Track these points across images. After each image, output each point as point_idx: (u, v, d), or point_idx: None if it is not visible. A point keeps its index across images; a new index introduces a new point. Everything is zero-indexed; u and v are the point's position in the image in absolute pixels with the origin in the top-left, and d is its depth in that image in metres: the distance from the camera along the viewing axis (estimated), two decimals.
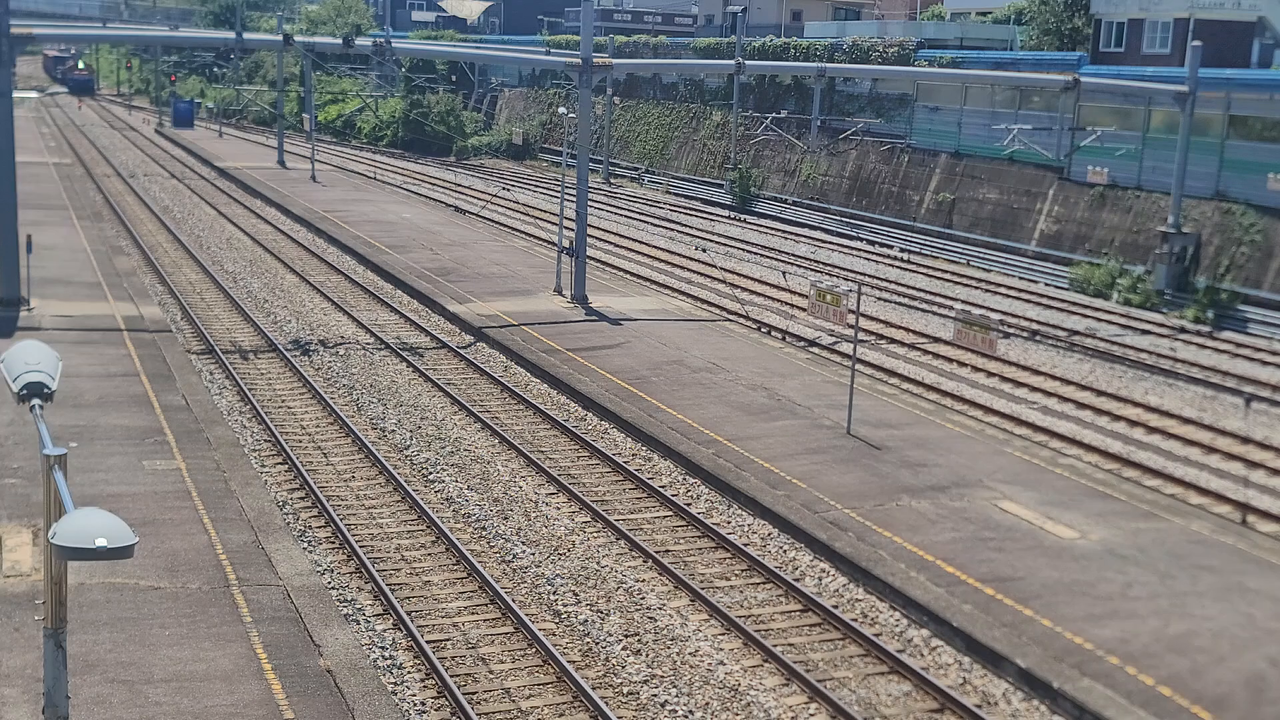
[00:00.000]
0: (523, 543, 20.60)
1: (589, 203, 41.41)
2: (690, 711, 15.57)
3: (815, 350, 34.19)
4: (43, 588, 10.64)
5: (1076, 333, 37.83)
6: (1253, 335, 38.47)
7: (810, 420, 26.28)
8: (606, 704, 15.55)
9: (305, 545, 20.02)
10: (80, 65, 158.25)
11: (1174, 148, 42.77)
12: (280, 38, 38.00)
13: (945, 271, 48.04)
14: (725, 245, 52.10)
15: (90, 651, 15.40)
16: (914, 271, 48.18)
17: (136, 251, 45.90)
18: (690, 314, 37.33)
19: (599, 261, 46.41)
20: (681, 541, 20.89)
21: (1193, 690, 15.70)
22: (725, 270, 45.46)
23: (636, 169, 74.76)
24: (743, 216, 61.79)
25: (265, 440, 25.22)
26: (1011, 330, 37.26)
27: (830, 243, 54.43)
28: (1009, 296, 43.65)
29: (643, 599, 18.62)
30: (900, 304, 41.32)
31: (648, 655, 16.97)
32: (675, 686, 16.15)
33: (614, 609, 18.28)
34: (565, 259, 38.48)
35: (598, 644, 17.21)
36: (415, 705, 15.42)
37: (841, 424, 25.77)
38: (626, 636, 17.46)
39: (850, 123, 59.54)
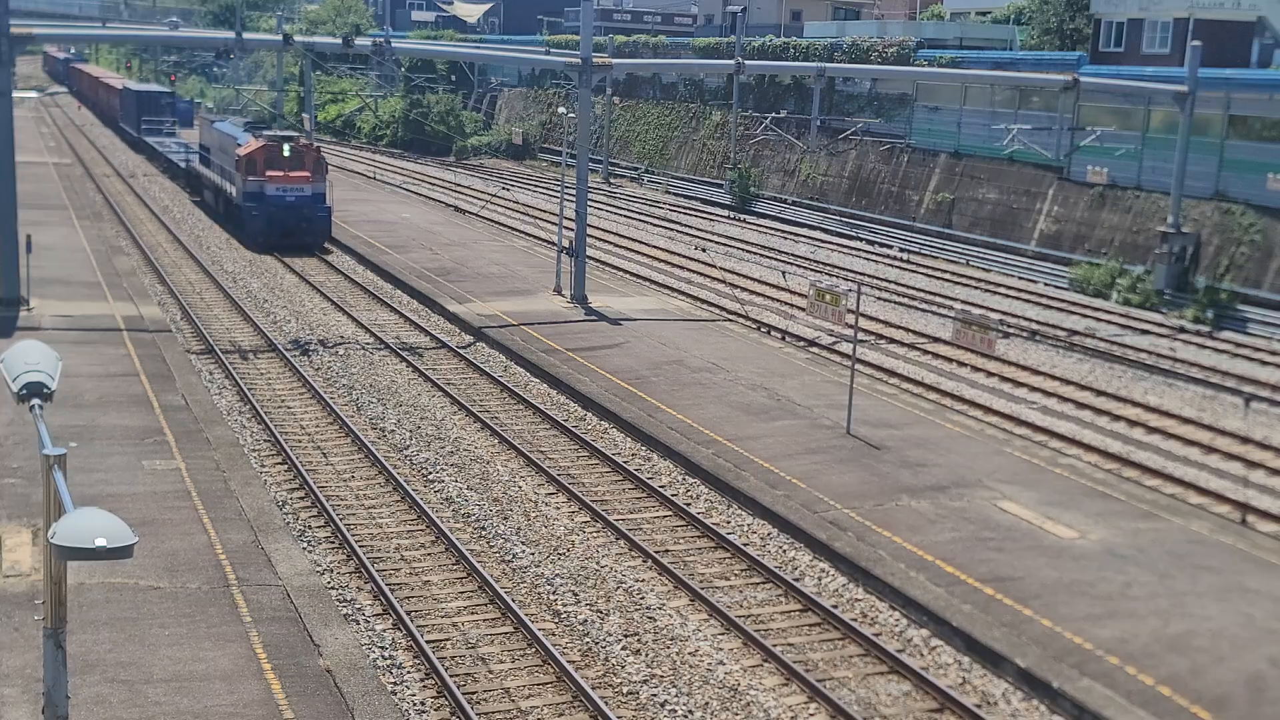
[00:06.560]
0: (522, 542, 20.60)
1: (589, 203, 41.38)
2: (690, 711, 15.57)
3: (815, 350, 34.19)
4: (42, 588, 10.65)
5: (1076, 333, 37.81)
6: (1252, 335, 38.46)
7: (810, 420, 26.28)
8: (606, 704, 15.54)
9: (305, 545, 20.02)
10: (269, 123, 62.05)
11: (1173, 148, 42.76)
12: (280, 38, 38.02)
13: (945, 271, 48.02)
14: (725, 245, 52.08)
15: (90, 651, 15.40)
16: (913, 271, 48.16)
17: (136, 251, 45.88)
18: (690, 314, 37.32)
19: (599, 261, 46.40)
20: (681, 541, 20.89)
21: (1192, 690, 15.70)
22: (725, 270, 45.44)
23: (636, 169, 74.72)
24: (742, 216, 61.77)
25: (265, 440, 25.22)
26: (1011, 330, 37.25)
27: (830, 243, 54.41)
28: (1009, 296, 43.64)
29: (642, 599, 18.62)
30: (900, 304, 41.31)
31: (647, 655, 16.97)
32: (675, 686, 16.15)
33: (614, 609, 18.28)
34: (565, 259, 38.48)
35: (597, 644, 17.21)
36: (415, 705, 15.42)
37: (841, 424, 25.76)
38: (626, 636, 17.45)
39: (850, 123, 59.52)
